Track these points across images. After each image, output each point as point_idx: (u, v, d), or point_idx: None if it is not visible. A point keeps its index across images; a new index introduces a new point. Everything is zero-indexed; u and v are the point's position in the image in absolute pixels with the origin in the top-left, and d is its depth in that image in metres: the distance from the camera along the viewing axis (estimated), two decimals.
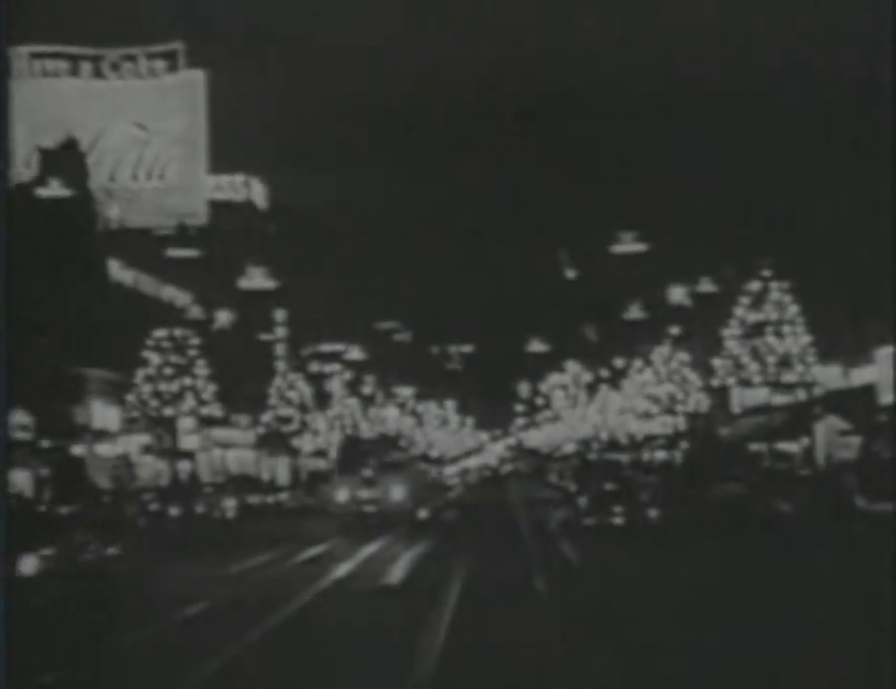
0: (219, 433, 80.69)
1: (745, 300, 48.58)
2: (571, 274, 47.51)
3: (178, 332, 55.25)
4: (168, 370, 55.16)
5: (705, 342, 64.31)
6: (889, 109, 27.19)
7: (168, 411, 55.12)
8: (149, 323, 56.43)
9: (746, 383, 48.62)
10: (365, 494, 42.03)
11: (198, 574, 27.93)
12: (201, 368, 55.41)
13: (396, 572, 26.57)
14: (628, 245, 36.35)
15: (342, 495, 42.78)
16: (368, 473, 42.55)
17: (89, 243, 58.18)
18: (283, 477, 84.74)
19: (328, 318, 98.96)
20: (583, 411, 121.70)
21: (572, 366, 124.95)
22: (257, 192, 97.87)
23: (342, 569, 27.49)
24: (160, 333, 55.19)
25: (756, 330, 47.77)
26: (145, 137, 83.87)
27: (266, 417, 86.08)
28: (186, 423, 66.33)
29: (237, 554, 32.02)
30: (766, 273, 48.54)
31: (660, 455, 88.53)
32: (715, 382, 50.46)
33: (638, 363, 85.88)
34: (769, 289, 48.25)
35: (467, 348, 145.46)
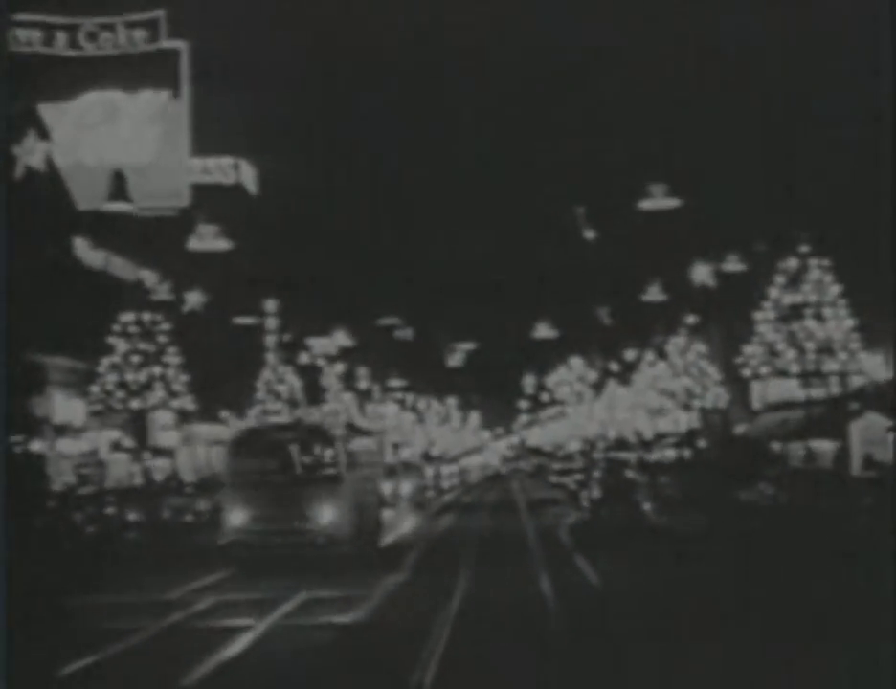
0: (203, 428, 75.47)
1: (780, 280, 43.21)
2: (589, 234, 41.84)
3: (147, 316, 49.96)
4: (136, 358, 49.88)
5: (728, 328, 58.76)
6: None
7: (135, 404, 49.85)
8: (117, 306, 51.11)
9: (783, 373, 43.26)
10: (270, 517, 26.90)
11: (125, 600, 22.74)
12: (172, 356, 50.15)
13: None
14: (658, 201, 30.87)
15: (237, 517, 27.23)
16: (275, 484, 27.29)
17: (51, 219, 52.81)
18: None
19: (323, 308, 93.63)
20: (589, 407, 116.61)
21: (579, 362, 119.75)
22: (248, 176, 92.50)
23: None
24: (127, 317, 49.90)
25: (794, 313, 42.41)
26: (122, 111, 78.52)
27: (254, 412, 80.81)
28: (164, 417, 61.03)
29: (182, 574, 26.54)
30: (804, 248, 43.13)
31: (670, 453, 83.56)
32: (747, 372, 45.03)
33: (648, 356, 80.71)
34: (807, 267, 42.85)
35: (469, 344, 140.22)
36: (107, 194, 33.61)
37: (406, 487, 55.57)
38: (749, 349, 44.35)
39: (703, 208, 34.13)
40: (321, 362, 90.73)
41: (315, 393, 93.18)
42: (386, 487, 53.07)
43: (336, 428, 30.64)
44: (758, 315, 43.39)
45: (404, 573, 26.43)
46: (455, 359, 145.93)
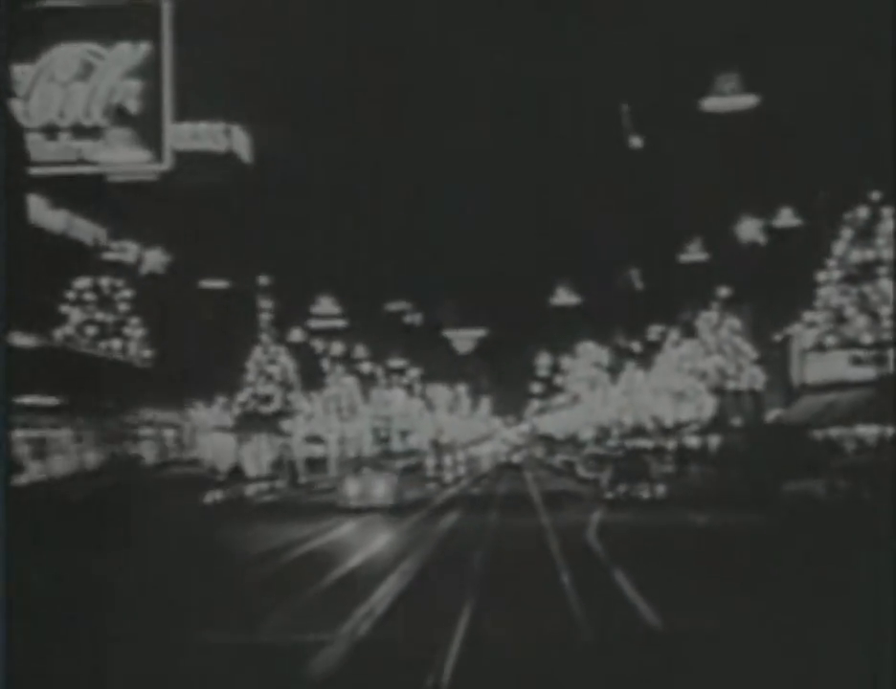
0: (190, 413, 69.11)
1: (847, 233, 36.22)
2: (636, 142, 35.11)
3: (105, 281, 43.28)
4: (92, 330, 43.13)
5: (772, 297, 51.61)
6: None
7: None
8: (73, 271, 44.38)
9: (853, 343, 36.39)
10: None
11: None
12: (135, 328, 43.41)
13: None
14: (727, 99, 23.93)
15: None
16: None
17: (9, 183, 45.89)
18: (257, 466, 72.87)
19: (326, 293, 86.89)
20: (605, 392, 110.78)
21: (593, 346, 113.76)
22: (240, 143, 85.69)
23: None
24: (82, 282, 43.20)
25: (864, 273, 35.48)
26: (99, 65, 71.72)
27: (243, 396, 74.27)
28: None
29: None
30: (876, 196, 36.09)
31: (693, 441, 77.33)
32: (807, 343, 38.18)
33: (673, 334, 74.10)
34: (880, 217, 35.81)
35: (480, 330, 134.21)
36: None
37: (381, 487, 42.77)
38: (808, 316, 37.33)
39: (783, 110, 26.86)
40: (316, 342, 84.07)
41: (313, 376, 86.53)
42: (351, 487, 42.72)
43: None
44: (821, 275, 36.37)
45: None
46: (465, 345, 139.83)
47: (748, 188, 36.63)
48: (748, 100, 23.41)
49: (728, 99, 23.19)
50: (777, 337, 56.59)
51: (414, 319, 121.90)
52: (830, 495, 33.47)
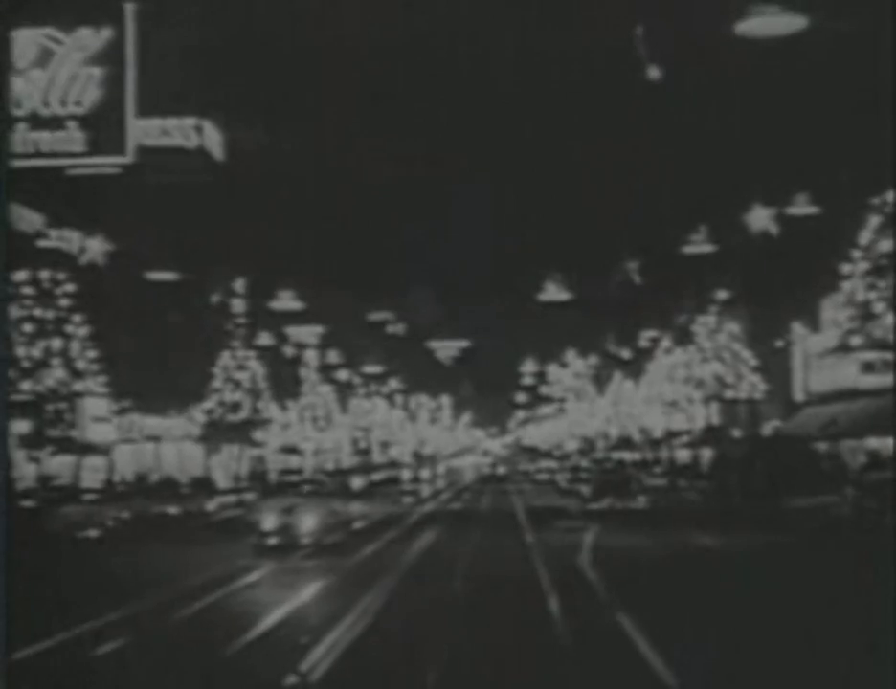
0: (152, 421, 65.43)
1: (875, 220, 32.25)
2: (654, 72, 31.29)
3: (45, 274, 39.20)
4: (30, 327, 38.94)
5: (774, 295, 47.71)
6: None
7: (25, 385, 38.93)
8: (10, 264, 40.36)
9: (880, 344, 32.56)
10: None
11: None
12: (79, 325, 39.21)
13: None
14: (766, 18, 20.47)
15: None
16: None
17: None
18: (227, 477, 68.89)
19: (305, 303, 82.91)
20: (591, 403, 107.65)
21: (577, 358, 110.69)
22: (212, 139, 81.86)
23: None
24: (19, 275, 39.12)
25: (893, 264, 31.59)
26: (56, 51, 67.72)
27: (210, 403, 70.37)
28: (98, 406, 50.57)
29: None
30: None
31: (683, 453, 74.03)
32: (813, 350, 34.31)
33: (665, 342, 70.56)
34: None
35: (464, 341, 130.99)
36: None
37: (311, 519, 31.04)
38: (827, 314, 33.44)
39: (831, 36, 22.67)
40: (288, 348, 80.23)
41: (286, 383, 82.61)
42: (268, 519, 30.59)
43: None
44: (844, 267, 32.41)
45: None
46: (448, 354, 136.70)
47: (767, 164, 32.56)
48: (795, 23, 19.09)
49: (769, 19, 18.98)
50: (779, 342, 52.89)
51: (397, 329, 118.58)
52: (856, 513, 29.81)
